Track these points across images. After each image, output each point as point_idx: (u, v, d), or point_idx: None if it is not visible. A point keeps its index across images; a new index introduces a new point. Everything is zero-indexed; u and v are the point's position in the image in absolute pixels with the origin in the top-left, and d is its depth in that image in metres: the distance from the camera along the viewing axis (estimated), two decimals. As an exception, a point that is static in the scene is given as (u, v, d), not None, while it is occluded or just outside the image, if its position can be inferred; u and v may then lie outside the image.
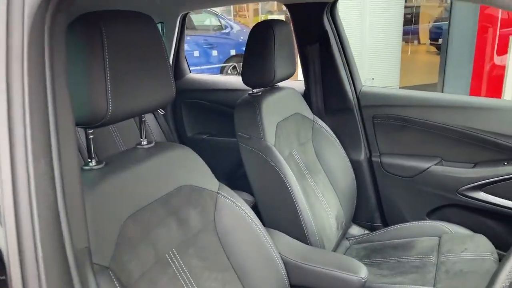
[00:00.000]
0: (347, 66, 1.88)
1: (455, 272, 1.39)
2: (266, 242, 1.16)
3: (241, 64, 1.58)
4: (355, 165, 1.84)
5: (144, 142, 1.08)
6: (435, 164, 1.78)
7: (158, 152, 1.06)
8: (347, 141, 1.85)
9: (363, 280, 1.16)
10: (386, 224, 1.94)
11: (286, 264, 1.21)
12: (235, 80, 2.31)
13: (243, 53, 1.55)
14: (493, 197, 1.68)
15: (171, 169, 1.06)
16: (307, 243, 1.43)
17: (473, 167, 1.74)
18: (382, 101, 1.87)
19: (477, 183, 1.70)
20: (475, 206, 1.71)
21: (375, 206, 1.94)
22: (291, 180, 1.42)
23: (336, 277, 1.19)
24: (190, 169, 1.12)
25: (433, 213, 1.83)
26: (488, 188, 1.69)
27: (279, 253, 1.19)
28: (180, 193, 1.05)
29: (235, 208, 1.14)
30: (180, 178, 1.07)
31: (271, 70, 1.50)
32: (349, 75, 1.88)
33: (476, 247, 1.48)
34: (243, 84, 1.58)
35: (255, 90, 1.60)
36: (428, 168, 1.78)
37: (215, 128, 2.32)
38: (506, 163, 1.67)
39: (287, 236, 1.35)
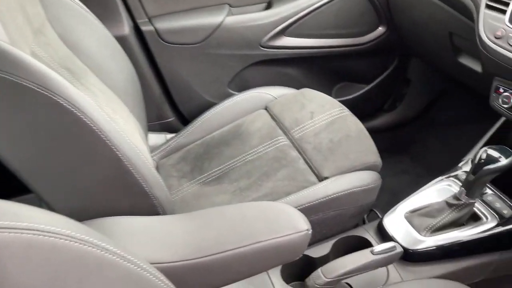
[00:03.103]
0: None
1: (327, 145, 1.07)
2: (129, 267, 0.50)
3: None
4: (119, 44, 1.15)
5: None
6: (227, 16, 1.30)
7: None
8: (97, 10, 1.09)
9: (309, 232, 0.68)
10: (180, 114, 1.42)
11: (170, 273, 0.59)
12: None
13: None
14: (298, 39, 1.38)
15: None
16: (154, 205, 0.79)
17: (268, 7, 1.35)
18: None
19: (279, 27, 1.34)
20: (281, 56, 1.38)
21: (160, 95, 1.36)
22: (87, 107, 0.67)
23: (267, 249, 0.66)
24: None
25: (234, 82, 1.42)
26: (291, 30, 1.36)
27: (151, 263, 0.55)
28: None
29: (36, 240, 0.40)
30: None
31: None
32: None
33: (321, 106, 1.18)
34: None
35: None
36: (220, 24, 1.29)
37: None
38: None
39: (129, 218, 0.69)
